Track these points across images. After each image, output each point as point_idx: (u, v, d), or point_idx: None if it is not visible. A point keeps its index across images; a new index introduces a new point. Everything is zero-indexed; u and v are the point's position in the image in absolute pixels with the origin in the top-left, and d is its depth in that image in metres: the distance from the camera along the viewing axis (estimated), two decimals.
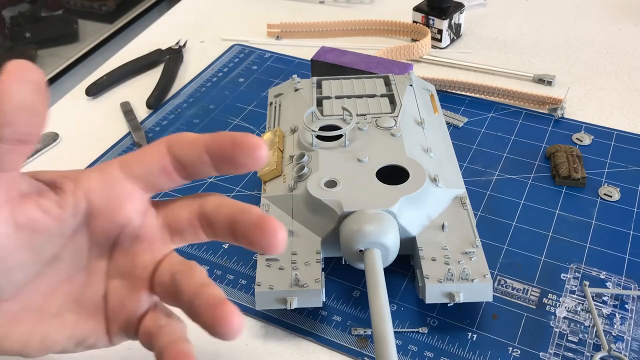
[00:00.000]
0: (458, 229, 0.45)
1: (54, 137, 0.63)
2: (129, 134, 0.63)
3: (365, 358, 0.42)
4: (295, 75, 0.59)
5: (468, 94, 0.66)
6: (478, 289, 0.42)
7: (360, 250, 0.42)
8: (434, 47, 0.75)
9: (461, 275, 0.42)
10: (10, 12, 1.26)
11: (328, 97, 0.54)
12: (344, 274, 0.47)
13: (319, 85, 0.57)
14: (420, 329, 0.43)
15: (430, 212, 0.46)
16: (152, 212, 0.33)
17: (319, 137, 0.49)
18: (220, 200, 0.32)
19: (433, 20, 0.74)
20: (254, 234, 0.30)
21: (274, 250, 0.30)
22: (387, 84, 0.57)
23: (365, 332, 0.43)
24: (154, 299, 0.33)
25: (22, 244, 0.29)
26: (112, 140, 0.62)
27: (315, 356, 0.42)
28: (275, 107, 0.57)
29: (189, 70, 0.73)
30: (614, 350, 0.41)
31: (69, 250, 0.31)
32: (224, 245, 0.50)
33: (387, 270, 0.42)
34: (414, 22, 0.76)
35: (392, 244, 0.42)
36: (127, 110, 0.66)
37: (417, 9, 0.76)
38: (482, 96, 0.66)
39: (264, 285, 0.42)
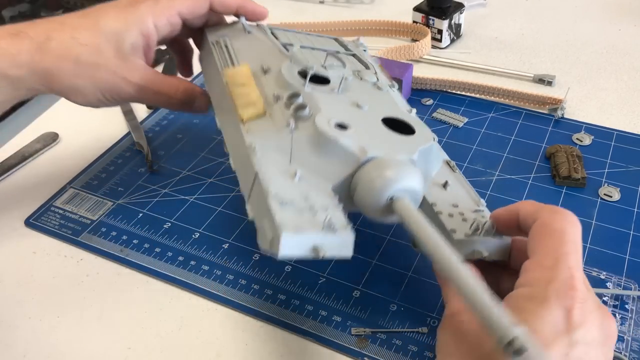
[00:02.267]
0: (458, 190, 0.44)
1: (53, 137, 0.63)
2: (128, 134, 0.63)
3: (365, 358, 0.42)
4: (243, 17, 0.54)
5: (468, 94, 0.66)
6: (498, 244, 0.40)
7: (390, 199, 0.37)
8: (434, 47, 0.75)
9: (486, 229, 0.39)
10: (10, 12, 1.26)
11: (291, 45, 0.51)
12: (344, 274, 0.47)
13: (273, 35, 0.53)
14: (420, 329, 0.43)
15: (431, 170, 0.44)
16: None
17: (311, 79, 0.44)
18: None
19: (433, 20, 0.74)
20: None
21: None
22: (342, 45, 0.55)
23: (365, 332, 0.43)
24: None
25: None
26: (111, 140, 0.62)
27: (315, 356, 0.42)
28: (225, 46, 0.52)
29: None
30: (614, 351, 0.41)
31: None
32: (223, 246, 0.50)
33: (387, 270, 0.42)
34: (414, 22, 0.76)
35: (420, 192, 0.38)
36: (127, 110, 0.66)
37: (417, 9, 0.76)
38: (482, 96, 0.66)
39: (289, 226, 0.34)
